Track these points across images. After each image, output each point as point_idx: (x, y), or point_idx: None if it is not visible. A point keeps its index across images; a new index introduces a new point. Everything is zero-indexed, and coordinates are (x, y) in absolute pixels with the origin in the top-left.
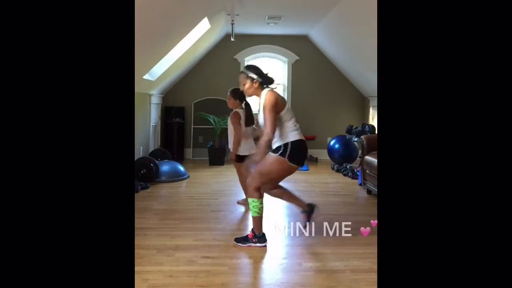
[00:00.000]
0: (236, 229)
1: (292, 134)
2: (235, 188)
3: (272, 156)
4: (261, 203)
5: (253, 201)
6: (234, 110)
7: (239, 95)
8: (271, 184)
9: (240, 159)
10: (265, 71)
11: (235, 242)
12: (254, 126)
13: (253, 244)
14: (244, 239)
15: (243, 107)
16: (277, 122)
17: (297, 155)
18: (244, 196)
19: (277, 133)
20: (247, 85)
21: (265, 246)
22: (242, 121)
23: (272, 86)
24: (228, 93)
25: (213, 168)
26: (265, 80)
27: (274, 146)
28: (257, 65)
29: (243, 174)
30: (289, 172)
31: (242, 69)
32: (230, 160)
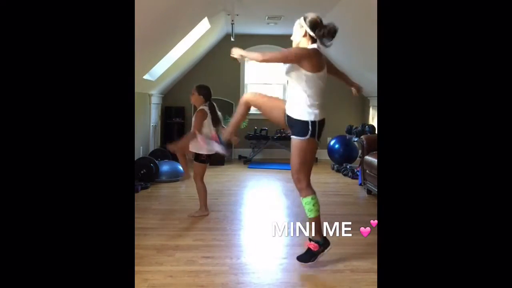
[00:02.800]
0: (236, 229)
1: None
2: (235, 188)
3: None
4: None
5: (312, 198)
6: (200, 108)
7: (205, 92)
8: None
9: (205, 159)
10: (323, 26)
11: (300, 262)
12: (222, 125)
13: (320, 255)
14: (308, 255)
15: (207, 105)
16: (303, 81)
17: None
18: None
19: (295, 101)
20: (297, 34)
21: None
22: (207, 121)
23: (326, 44)
24: (193, 88)
25: (213, 168)
26: (319, 35)
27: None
28: (318, 17)
29: (200, 175)
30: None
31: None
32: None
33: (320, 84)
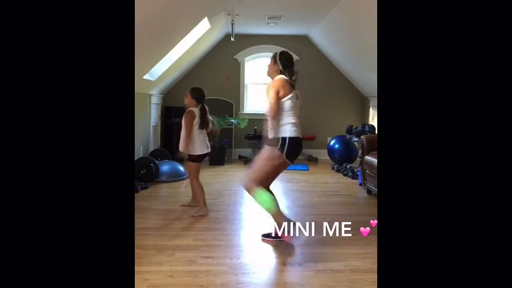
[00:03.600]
0: (236, 229)
1: (288, 130)
2: (236, 188)
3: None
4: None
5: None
6: (189, 109)
7: (197, 95)
8: (265, 182)
9: (197, 158)
10: (292, 67)
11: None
12: (208, 130)
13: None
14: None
15: (198, 108)
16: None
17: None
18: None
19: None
20: (269, 66)
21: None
22: (196, 121)
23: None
24: (188, 90)
25: (213, 168)
26: (285, 70)
27: (269, 136)
28: (291, 58)
29: (194, 174)
30: (283, 167)
31: (277, 52)
32: (182, 159)
33: (285, 107)
